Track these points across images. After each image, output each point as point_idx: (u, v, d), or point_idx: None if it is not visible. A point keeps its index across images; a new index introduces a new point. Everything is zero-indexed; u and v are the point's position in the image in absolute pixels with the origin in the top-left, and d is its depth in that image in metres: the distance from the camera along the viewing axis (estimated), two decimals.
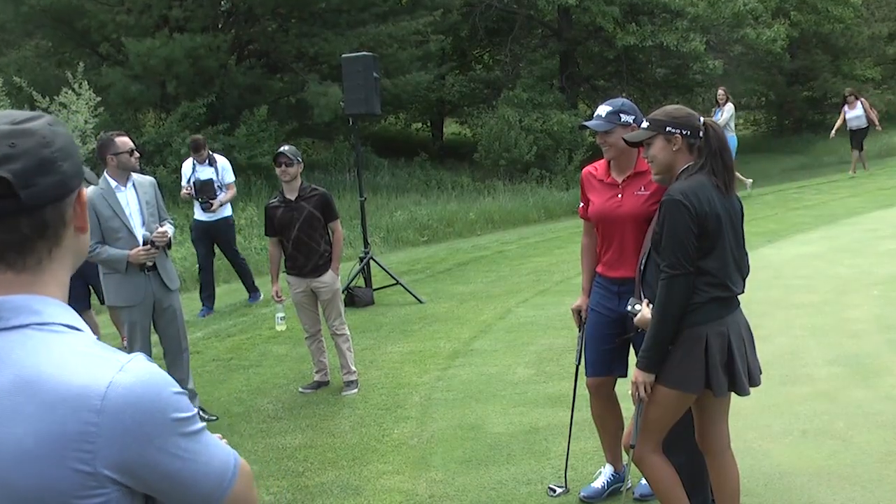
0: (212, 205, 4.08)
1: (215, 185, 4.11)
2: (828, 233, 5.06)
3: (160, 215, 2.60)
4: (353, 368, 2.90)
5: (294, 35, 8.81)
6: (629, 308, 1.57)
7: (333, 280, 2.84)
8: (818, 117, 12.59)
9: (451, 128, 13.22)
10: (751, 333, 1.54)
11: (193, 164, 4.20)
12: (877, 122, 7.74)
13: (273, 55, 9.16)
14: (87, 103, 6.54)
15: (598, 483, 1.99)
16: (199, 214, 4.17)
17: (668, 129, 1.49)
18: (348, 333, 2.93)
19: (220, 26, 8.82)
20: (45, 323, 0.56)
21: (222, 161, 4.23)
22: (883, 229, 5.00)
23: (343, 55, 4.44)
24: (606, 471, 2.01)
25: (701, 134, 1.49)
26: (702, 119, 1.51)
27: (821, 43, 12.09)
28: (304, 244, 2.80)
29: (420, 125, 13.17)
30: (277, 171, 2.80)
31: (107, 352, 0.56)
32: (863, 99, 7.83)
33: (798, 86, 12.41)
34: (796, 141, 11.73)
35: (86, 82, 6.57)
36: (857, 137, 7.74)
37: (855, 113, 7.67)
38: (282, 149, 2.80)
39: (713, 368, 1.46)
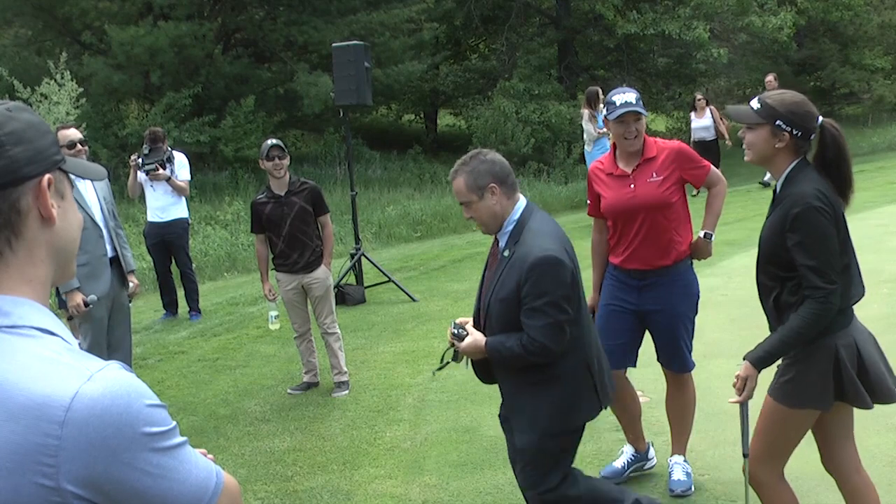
0: (157, 169, 3.79)
1: (165, 154, 3.85)
2: None
3: (115, 215, 2.50)
4: (345, 369, 2.82)
5: (282, 23, 8.65)
6: (454, 330, 1.49)
7: (326, 275, 2.75)
8: (826, 108, 12.28)
9: (445, 119, 13.14)
10: (877, 342, 1.41)
11: None
12: (727, 136, 6.36)
13: (261, 44, 9.04)
14: (69, 94, 6.33)
15: (619, 463, 1.98)
16: (152, 216, 3.95)
17: (777, 122, 1.32)
18: (340, 332, 2.83)
19: (205, 14, 8.68)
20: (13, 326, 0.53)
21: (180, 157, 4.00)
22: (893, 224, 4.89)
23: (333, 44, 4.35)
24: (627, 451, 2.00)
25: (812, 137, 1.32)
26: (820, 119, 1.33)
27: (829, 31, 11.87)
28: (296, 240, 2.69)
29: (413, 117, 13.05)
30: (269, 165, 2.66)
31: (77, 359, 0.53)
32: (713, 107, 6.48)
33: (805, 76, 12.16)
34: None
35: (68, 72, 6.38)
36: (706, 152, 6.20)
37: (702, 123, 6.32)
38: (274, 142, 2.68)
39: (849, 380, 1.33)
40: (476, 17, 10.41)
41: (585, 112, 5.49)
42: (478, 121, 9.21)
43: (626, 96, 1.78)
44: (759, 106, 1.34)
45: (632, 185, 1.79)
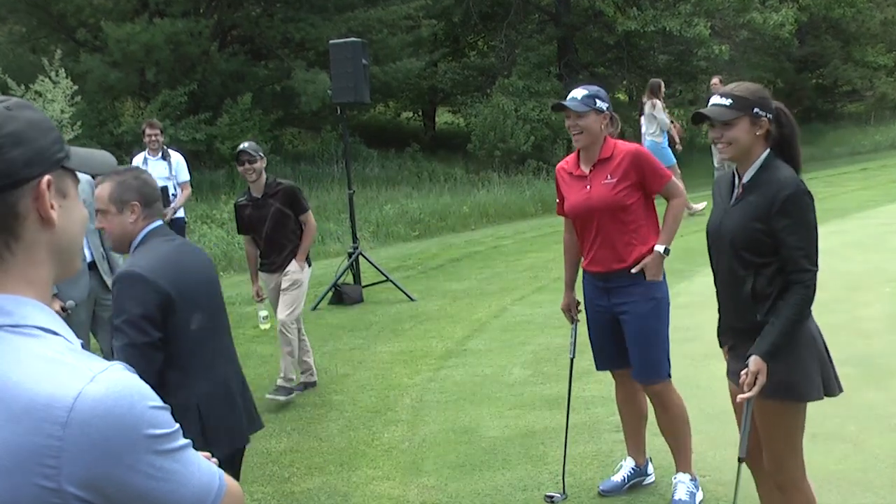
0: (164, 215, 3.84)
1: (170, 193, 3.84)
2: (838, 227, 4.86)
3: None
4: (290, 376, 2.72)
5: (279, 20, 8.62)
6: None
7: (297, 269, 2.70)
8: (828, 106, 12.36)
9: (443, 117, 13.07)
10: None
11: (145, 159, 3.94)
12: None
13: (257, 41, 8.99)
14: (63, 92, 6.26)
15: (619, 476, 1.95)
16: None
17: (755, 110, 1.32)
18: (293, 337, 2.70)
19: (201, 11, 8.64)
20: (16, 325, 0.52)
21: (177, 157, 3.97)
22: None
23: (331, 41, 4.34)
24: (627, 464, 1.96)
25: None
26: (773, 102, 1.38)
27: (831, 28, 11.79)
28: (275, 242, 2.69)
29: (411, 114, 13.01)
30: (240, 169, 2.67)
31: (80, 359, 0.52)
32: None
33: (807, 73, 12.10)
34: (805, 131, 11.45)
35: (63, 70, 6.31)
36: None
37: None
38: (242, 146, 2.67)
39: (826, 367, 1.35)
40: (475, 14, 10.37)
41: (658, 103, 5.32)
42: (476, 118, 9.15)
43: (576, 91, 1.76)
44: (730, 101, 1.33)
45: (588, 187, 1.78)
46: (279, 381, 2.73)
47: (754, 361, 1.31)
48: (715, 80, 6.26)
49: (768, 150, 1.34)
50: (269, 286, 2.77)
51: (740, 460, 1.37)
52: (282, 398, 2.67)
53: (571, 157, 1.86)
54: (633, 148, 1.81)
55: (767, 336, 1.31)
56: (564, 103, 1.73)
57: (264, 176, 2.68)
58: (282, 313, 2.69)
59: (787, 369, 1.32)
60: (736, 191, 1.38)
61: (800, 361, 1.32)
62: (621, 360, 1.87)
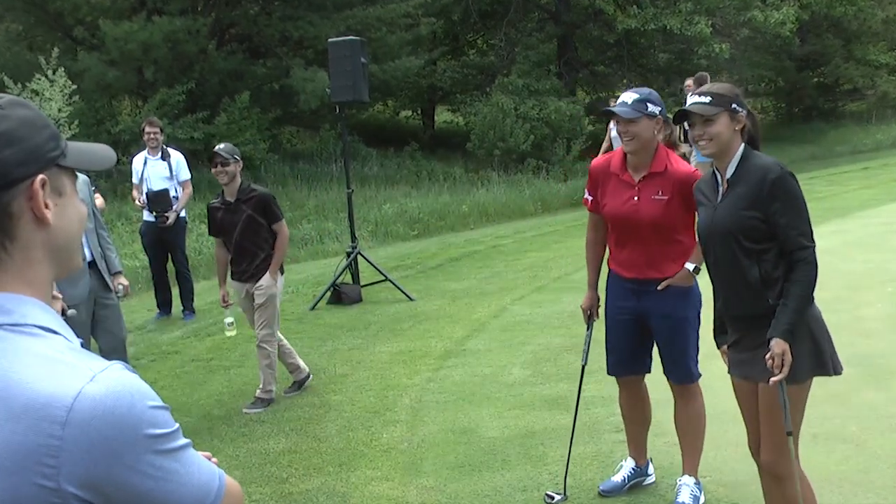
0: (167, 219, 3.82)
1: (171, 196, 3.83)
2: (839, 227, 4.88)
3: (95, 215, 2.42)
4: (269, 388, 2.70)
5: (278, 18, 8.61)
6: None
7: (269, 283, 2.64)
8: (829, 105, 12.36)
9: (442, 116, 13.04)
10: None
11: (145, 160, 3.91)
12: None
13: (256, 39, 8.97)
14: (61, 91, 6.23)
15: (619, 477, 1.94)
16: (148, 215, 3.92)
17: (733, 106, 1.39)
18: (273, 350, 2.69)
19: (199, 9, 8.61)
20: (16, 324, 0.52)
21: (177, 156, 3.94)
22: None
23: (329, 39, 4.34)
24: (627, 464, 1.95)
25: None
26: None
27: (832, 26, 11.80)
28: (245, 250, 2.63)
29: (410, 113, 13.02)
30: (213, 171, 2.61)
31: (80, 359, 0.52)
32: None
33: (808, 71, 12.10)
34: (806, 130, 11.34)
35: (61, 68, 6.29)
36: None
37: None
38: (217, 147, 2.62)
39: (831, 345, 1.39)
40: (474, 12, 10.38)
41: None
42: (476, 117, 9.14)
43: (626, 95, 1.72)
44: (709, 98, 1.38)
45: (636, 199, 1.72)
46: (258, 393, 2.72)
47: (777, 343, 1.33)
48: (688, 81, 6.31)
49: (744, 144, 1.39)
50: (241, 295, 2.72)
51: (789, 434, 1.38)
52: (259, 410, 2.67)
53: (616, 157, 1.77)
54: (689, 172, 1.74)
55: (782, 316, 1.34)
56: (614, 110, 1.68)
57: (238, 180, 2.61)
58: (260, 330, 2.67)
59: (799, 352, 1.34)
60: (721, 188, 1.41)
61: (812, 341, 1.35)
62: (636, 364, 1.83)
